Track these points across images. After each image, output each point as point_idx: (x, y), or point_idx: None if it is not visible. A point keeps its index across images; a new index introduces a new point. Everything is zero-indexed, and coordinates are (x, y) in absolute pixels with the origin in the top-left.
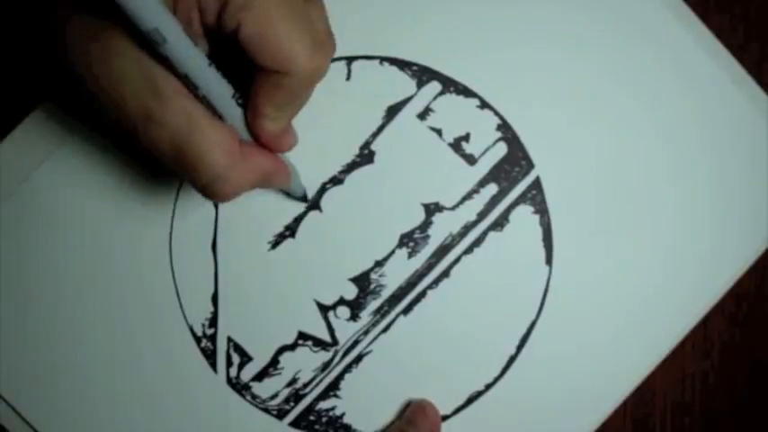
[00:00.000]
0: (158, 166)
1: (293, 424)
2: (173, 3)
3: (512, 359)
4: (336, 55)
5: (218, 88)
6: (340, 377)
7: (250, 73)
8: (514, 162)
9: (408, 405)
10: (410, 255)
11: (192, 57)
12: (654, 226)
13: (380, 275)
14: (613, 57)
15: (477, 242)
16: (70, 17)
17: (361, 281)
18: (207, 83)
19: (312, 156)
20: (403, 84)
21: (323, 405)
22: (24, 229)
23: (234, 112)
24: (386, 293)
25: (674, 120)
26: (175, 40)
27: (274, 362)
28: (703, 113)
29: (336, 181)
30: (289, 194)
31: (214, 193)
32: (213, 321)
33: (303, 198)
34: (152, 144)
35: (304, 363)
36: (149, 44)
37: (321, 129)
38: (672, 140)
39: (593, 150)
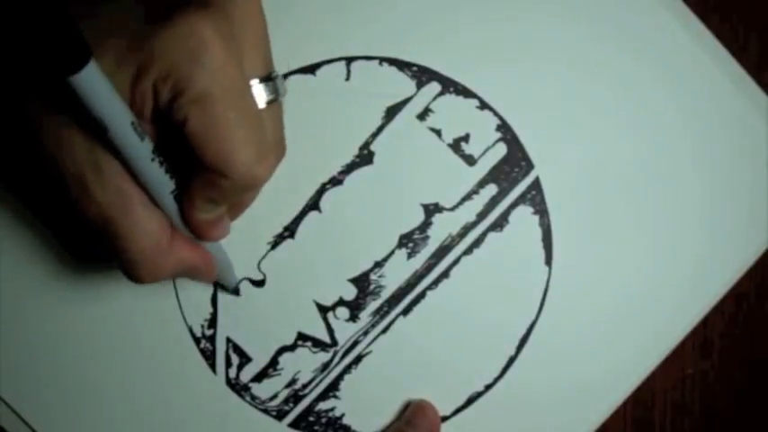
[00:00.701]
0: None
1: (293, 425)
2: (130, 86)
3: (511, 360)
4: (336, 55)
5: (157, 182)
6: (339, 378)
7: (194, 162)
8: (514, 163)
9: (408, 406)
10: (409, 255)
11: (135, 150)
12: (654, 226)
13: (380, 276)
14: (613, 58)
15: (477, 243)
16: (30, 86)
17: (361, 281)
18: (146, 176)
19: (311, 156)
20: (402, 84)
21: (322, 406)
22: (23, 229)
23: (170, 205)
24: (385, 294)
25: (674, 120)
26: (119, 132)
27: (274, 363)
28: (703, 114)
29: (336, 182)
30: (223, 286)
31: (132, 276)
32: (212, 322)
33: (235, 292)
34: (83, 215)
35: (303, 363)
36: (95, 128)
37: (320, 129)
38: (671, 140)
39: (593, 151)
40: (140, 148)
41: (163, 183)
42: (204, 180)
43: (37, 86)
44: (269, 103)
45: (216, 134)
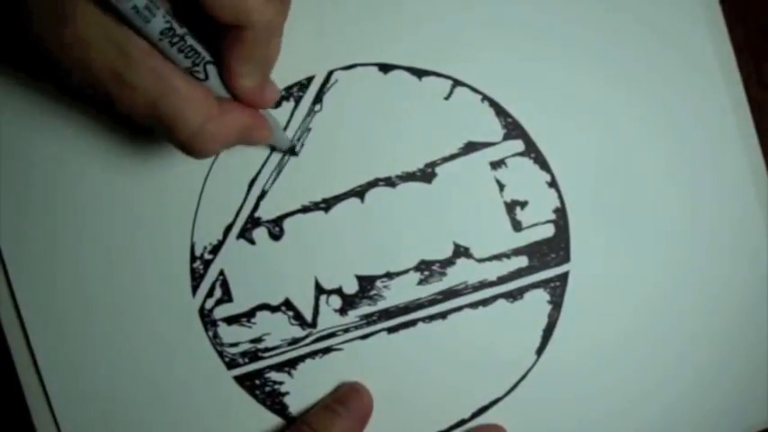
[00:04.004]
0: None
1: (238, 379)
2: None
3: (462, 422)
4: (446, 72)
5: (176, 59)
6: (301, 359)
7: (216, 29)
8: (554, 248)
9: (341, 386)
10: (420, 282)
11: (156, 19)
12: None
13: (385, 286)
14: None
15: (485, 302)
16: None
17: (366, 282)
18: (174, 46)
19: (380, 149)
20: (492, 128)
21: (273, 376)
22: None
23: (205, 70)
24: (381, 305)
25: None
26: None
27: (251, 314)
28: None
29: (390, 182)
30: (275, 149)
31: (194, 150)
32: (216, 249)
33: (291, 151)
34: (126, 106)
35: (276, 329)
36: (114, 9)
37: (399, 132)
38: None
39: (631, 269)
40: (148, 30)
41: (180, 60)
42: (230, 42)
43: None
44: None
45: None
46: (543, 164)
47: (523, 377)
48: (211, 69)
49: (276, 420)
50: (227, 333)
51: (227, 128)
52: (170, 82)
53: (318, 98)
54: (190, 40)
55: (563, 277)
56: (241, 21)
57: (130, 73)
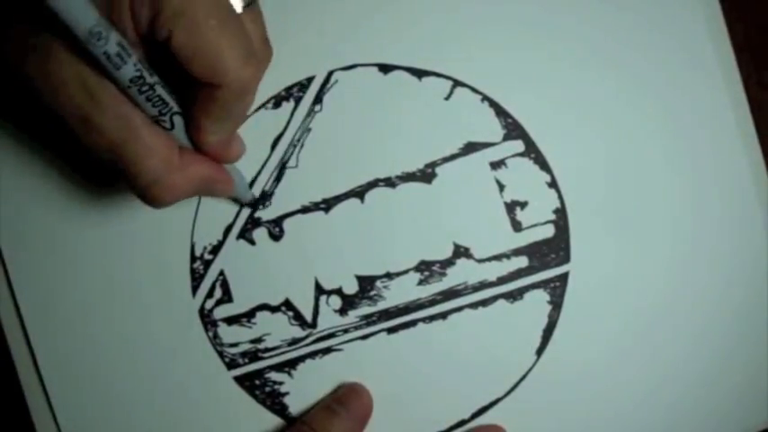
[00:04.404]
0: None
1: (237, 379)
2: (107, 9)
3: (462, 422)
4: (447, 73)
5: (144, 107)
6: (301, 359)
7: (188, 81)
8: (554, 249)
9: (341, 386)
10: (420, 282)
11: (126, 67)
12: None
13: (385, 286)
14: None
15: (485, 303)
16: (9, 27)
17: (366, 282)
18: (143, 95)
19: (379, 150)
20: (492, 128)
21: (273, 376)
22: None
23: (171, 120)
24: (381, 305)
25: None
26: (109, 45)
27: (251, 314)
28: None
29: (389, 183)
30: (238, 200)
31: (150, 198)
32: (216, 249)
33: (252, 204)
34: (91, 147)
35: (276, 329)
36: (87, 52)
37: (399, 132)
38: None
39: (631, 269)
40: (118, 76)
41: (147, 108)
42: (202, 98)
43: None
44: (246, 6)
45: (201, 43)
46: (543, 164)
47: (523, 377)
48: (178, 120)
49: (276, 420)
50: (228, 333)
51: (186, 181)
52: (135, 130)
53: (318, 98)
54: (159, 90)
55: (563, 277)
56: (217, 80)
57: (98, 116)
